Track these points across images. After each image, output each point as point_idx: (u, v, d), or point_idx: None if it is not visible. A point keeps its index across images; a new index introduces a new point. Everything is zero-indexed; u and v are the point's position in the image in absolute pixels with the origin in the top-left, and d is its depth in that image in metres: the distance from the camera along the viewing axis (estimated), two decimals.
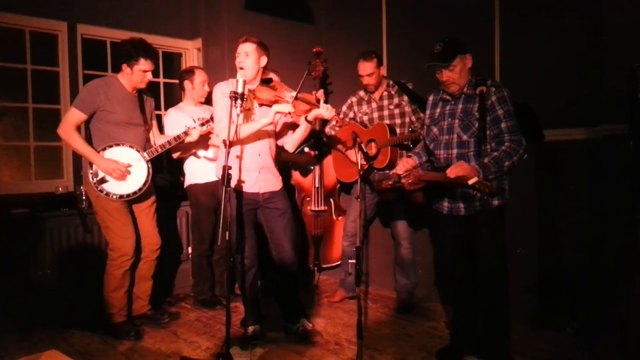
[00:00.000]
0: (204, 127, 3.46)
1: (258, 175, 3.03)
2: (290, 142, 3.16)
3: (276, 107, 2.83)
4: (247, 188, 3.01)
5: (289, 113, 2.88)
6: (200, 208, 3.75)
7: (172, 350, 3.02)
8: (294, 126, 3.19)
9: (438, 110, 2.73)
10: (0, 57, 3.79)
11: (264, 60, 3.02)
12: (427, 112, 2.80)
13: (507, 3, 3.51)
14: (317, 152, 4.23)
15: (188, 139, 3.40)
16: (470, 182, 2.28)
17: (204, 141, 3.62)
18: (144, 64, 3.15)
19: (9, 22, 3.78)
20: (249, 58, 2.95)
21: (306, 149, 4.30)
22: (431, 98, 2.82)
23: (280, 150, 3.25)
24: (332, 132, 3.86)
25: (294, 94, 2.88)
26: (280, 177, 3.21)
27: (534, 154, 3.26)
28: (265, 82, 3.03)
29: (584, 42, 3.14)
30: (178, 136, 3.36)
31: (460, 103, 2.63)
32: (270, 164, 3.11)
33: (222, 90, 2.96)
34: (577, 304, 3.13)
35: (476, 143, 2.55)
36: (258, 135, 2.99)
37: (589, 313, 3.03)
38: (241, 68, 2.91)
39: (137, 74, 3.17)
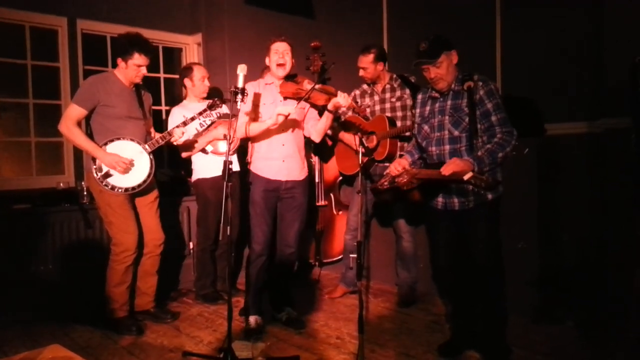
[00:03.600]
0: (202, 117, 3.46)
1: (282, 164, 3.14)
2: (316, 132, 3.25)
3: (278, 109, 2.93)
4: (272, 175, 3.14)
5: (309, 104, 3.03)
6: (208, 203, 3.75)
7: (175, 345, 3.03)
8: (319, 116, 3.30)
9: (428, 108, 2.74)
10: (1, 53, 3.79)
11: (292, 60, 3.17)
12: (417, 110, 2.81)
13: None
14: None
15: (174, 138, 3.32)
16: (466, 177, 2.28)
17: (210, 137, 3.66)
18: (138, 59, 3.14)
19: (9, 17, 3.77)
20: (287, 55, 3.12)
21: None
22: (420, 97, 2.83)
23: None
24: (343, 118, 3.87)
25: (312, 85, 3.03)
26: (306, 167, 3.30)
27: (535, 148, 3.26)
28: (290, 77, 3.18)
29: (586, 36, 3.14)
30: (177, 126, 3.34)
31: (449, 99, 2.63)
32: (296, 154, 3.20)
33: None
34: (578, 298, 3.13)
35: (468, 138, 2.56)
36: (283, 127, 3.07)
37: (590, 307, 3.04)
38: (281, 65, 3.08)
39: (131, 69, 3.16)
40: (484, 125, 2.54)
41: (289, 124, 3.10)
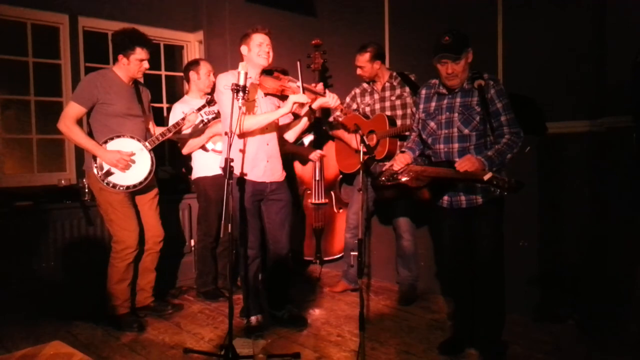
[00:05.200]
0: (203, 114, 3.46)
1: (267, 165, 3.08)
2: (293, 132, 3.21)
3: (293, 97, 2.87)
4: (257, 177, 3.05)
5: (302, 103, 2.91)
6: (209, 200, 3.75)
7: (176, 342, 3.04)
8: (293, 116, 3.23)
9: (433, 104, 2.72)
10: (2, 50, 3.79)
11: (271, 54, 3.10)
12: (421, 106, 2.78)
13: None
14: (315, 144, 4.25)
15: (187, 125, 3.38)
16: (486, 177, 2.26)
17: (210, 134, 3.66)
18: (140, 53, 3.15)
19: (10, 14, 3.77)
20: (270, 48, 3.03)
21: (306, 142, 4.30)
22: (424, 92, 2.79)
23: (283, 141, 3.27)
24: (339, 120, 3.85)
25: (299, 83, 2.93)
26: (283, 169, 3.25)
27: (537, 146, 3.26)
28: (267, 72, 3.07)
29: (588, 34, 3.13)
30: (177, 123, 3.35)
31: (458, 97, 2.62)
32: (277, 154, 3.16)
33: (224, 82, 2.95)
34: (580, 297, 3.13)
35: (477, 136, 2.55)
36: (266, 125, 3.02)
37: (591, 305, 3.04)
38: (265, 58, 3.00)
39: (133, 64, 3.17)
40: (493, 125, 2.53)
41: (271, 123, 3.04)
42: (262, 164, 3.06)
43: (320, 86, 3.56)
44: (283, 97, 3.07)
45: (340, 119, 3.85)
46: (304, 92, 2.93)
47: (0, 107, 3.83)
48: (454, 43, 2.48)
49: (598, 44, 3.05)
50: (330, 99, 2.93)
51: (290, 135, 3.23)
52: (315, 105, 2.99)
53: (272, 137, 3.10)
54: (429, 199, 2.64)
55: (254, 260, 3.13)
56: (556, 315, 3.17)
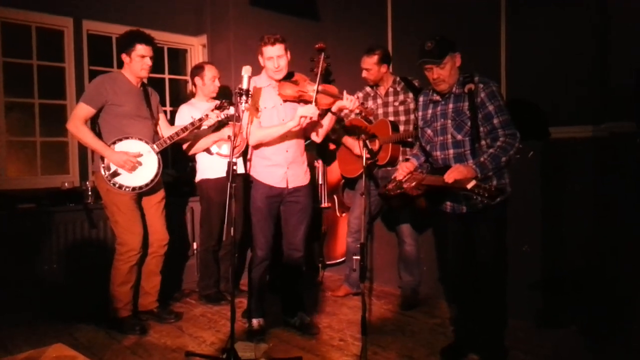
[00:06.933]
0: (222, 115, 3.44)
1: (287, 171, 3.06)
2: (317, 133, 3.17)
3: (301, 111, 2.82)
4: (276, 183, 3.04)
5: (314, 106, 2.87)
6: (211, 203, 3.76)
7: (177, 345, 3.04)
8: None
9: (429, 111, 2.73)
10: (7, 53, 3.81)
11: (288, 55, 3.01)
12: (419, 113, 2.79)
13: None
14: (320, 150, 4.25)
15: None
16: (469, 186, 2.26)
17: (216, 137, 3.68)
18: (140, 49, 3.17)
19: (15, 17, 3.80)
20: (282, 59, 2.95)
21: None
22: (421, 99, 2.80)
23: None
24: (346, 120, 3.84)
25: (314, 87, 2.92)
26: (309, 172, 3.22)
27: (540, 151, 3.26)
28: (287, 77, 3.05)
29: (591, 39, 3.13)
30: (185, 127, 3.35)
31: (450, 103, 2.62)
32: (299, 159, 3.12)
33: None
34: (582, 302, 3.12)
35: (471, 142, 2.53)
36: (285, 133, 2.96)
37: (594, 311, 3.03)
38: (279, 70, 2.94)
39: (135, 61, 3.19)
40: (486, 128, 2.52)
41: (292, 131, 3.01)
42: (280, 171, 3.03)
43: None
44: (302, 102, 3.06)
45: (352, 115, 3.82)
46: (321, 95, 2.91)
47: (5, 109, 3.84)
48: (436, 48, 2.49)
49: (602, 48, 3.06)
50: (348, 102, 2.88)
51: (315, 137, 3.18)
52: (334, 109, 2.97)
53: (292, 143, 3.05)
54: (426, 206, 2.64)
55: (262, 262, 3.11)
56: (559, 320, 3.16)
